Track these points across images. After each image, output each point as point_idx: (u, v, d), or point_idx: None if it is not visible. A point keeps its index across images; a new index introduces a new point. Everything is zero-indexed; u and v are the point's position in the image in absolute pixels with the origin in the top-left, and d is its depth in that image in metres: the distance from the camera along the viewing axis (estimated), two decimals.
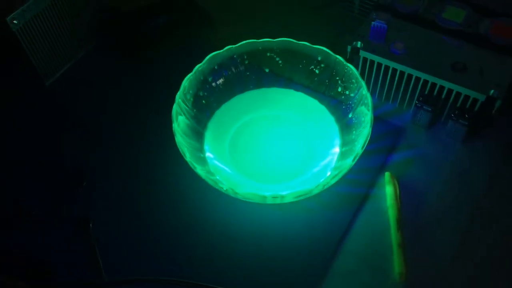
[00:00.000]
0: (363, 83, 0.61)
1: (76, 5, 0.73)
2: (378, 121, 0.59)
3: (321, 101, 0.67)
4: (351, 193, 0.62)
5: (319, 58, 0.66)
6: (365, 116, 0.60)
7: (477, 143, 0.66)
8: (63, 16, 0.71)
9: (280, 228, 0.60)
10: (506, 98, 0.61)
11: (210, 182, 0.56)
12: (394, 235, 0.58)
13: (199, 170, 0.56)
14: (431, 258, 0.57)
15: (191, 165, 0.56)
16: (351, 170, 0.58)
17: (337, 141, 0.64)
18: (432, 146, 0.67)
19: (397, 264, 0.56)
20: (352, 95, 0.63)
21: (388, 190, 0.62)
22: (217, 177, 0.59)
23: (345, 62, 0.63)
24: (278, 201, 0.56)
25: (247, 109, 0.68)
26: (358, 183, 0.62)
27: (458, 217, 0.60)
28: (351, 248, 0.58)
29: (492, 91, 0.61)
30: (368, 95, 0.60)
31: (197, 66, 0.63)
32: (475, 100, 0.63)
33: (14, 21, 0.65)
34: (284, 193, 0.55)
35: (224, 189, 0.55)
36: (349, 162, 0.56)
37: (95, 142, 0.67)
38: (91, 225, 0.60)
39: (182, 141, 0.58)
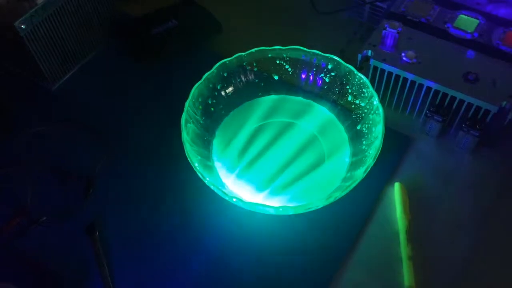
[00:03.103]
0: (374, 93, 0.60)
1: (84, 10, 0.72)
2: (387, 130, 0.58)
3: (331, 109, 0.66)
4: (360, 204, 0.61)
5: (330, 67, 0.65)
6: (376, 126, 0.59)
7: (488, 154, 0.66)
8: (71, 21, 0.71)
9: (288, 239, 0.59)
10: None
11: (218, 192, 0.55)
12: (403, 247, 0.58)
13: (208, 179, 0.56)
14: (441, 270, 0.57)
15: (199, 175, 0.56)
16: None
17: (347, 151, 0.63)
18: (442, 156, 0.66)
19: (406, 276, 0.56)
20: (362, 104, 0.63)
21: (397, 201, 0.61)
22: (226, 187, 0.58)
23: (356, 72, 0.62)
24: (286, 212, 0.55)
25: (255, 116, 0.67)
26: (367, 193, 0.61)
27: (469, 228, 0.60)
28: (360, 260, 0.58)
29: (504, 102, 0.61)
30: (380, 106, 0.59)
31: (206, 74, 0.63)
32: (487, 111, 0.62)
33: (22, 26, 0.64)
34: (293, 205, 0.55)
35: (233, 199, 0.55)
36: (360, 174, 0.56)
37: (102, 148, 0.67)
38: (97, 232, 0.59)
39: (191, 149, 0.58)
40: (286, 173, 0.63)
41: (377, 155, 0.56)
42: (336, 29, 0.80)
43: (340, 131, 0.65)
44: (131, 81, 0.74)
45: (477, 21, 0.67)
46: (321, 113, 0.67)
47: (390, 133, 0.65)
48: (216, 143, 0.64)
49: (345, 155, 0.63)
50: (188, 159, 0.57)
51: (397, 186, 0.62)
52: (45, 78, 0.72)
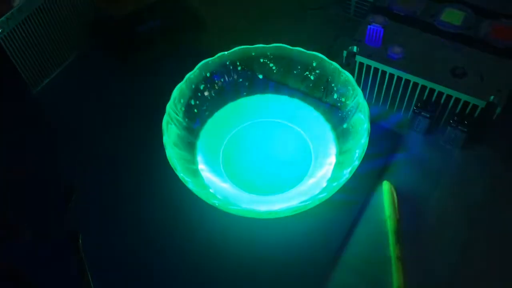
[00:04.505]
0: (359, 91, 0.59)
1: (63, 11, 0.70)
2: (374, 127, 0.57)
3: (317, 108, 0.65)
4: (347, 203, 0.60)
5: (314, 64, 0.63)
6: (362, 125, 0.58)
7: (476, 150, 0.65)
8: (49, 23, 0.69)
9: (274, 241, 0.58)
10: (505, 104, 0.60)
11: (202, 196, 0.54)
12: (392, 248, 0.57)
13: (191, 184, 0.54)
14: (431, 271, 0.56)
15: (182, 180, 0.55)
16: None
17: (333, 150, 0.62)
18: (430, 152, 0.65)
19: (395, 277, 0.55)
20: (348, 102, 0.61)
21: (385, 200, 0.60)
22: (210, 191, 0.57)
23: (341, 69, 0.61)
24: (273, 216, 0.54)
25: (240, 117, 0.66)
26: (354, 193, 0.60)
27: (458, 226, 0.59)
28: (348, 261, 0.57)
29: (492, 97, 0.59)
30: (365, 103, 0.58)
31: (188, 74, 0.61)
32: (475, 106, 0.61)
33: None
34: (279, 208, 0.53)
35: (217, 204, 0.54)
36: (347, 173, 0.54)
37: (83, 154, 0.65)
38: (80, 240, 0.58)
39: (173, 153, 0.56)
40: (272, 174, 0.62)
41: (364, 153, 0.55)
42: (323, 25, 0.78)
43: (326, 130, 0.63)
44: (113, 83, 0.73)
45: (464, 13, 0.66)
46: (307, 112, 0.65)
47: (377, 130, 0.64)
48: (200, 145, 0.63)
49: (331, 154, 0.61)
50: (171, 163, 0.56)
51: (385, 184, 0.61)
52: (24, 82, 0.70)
